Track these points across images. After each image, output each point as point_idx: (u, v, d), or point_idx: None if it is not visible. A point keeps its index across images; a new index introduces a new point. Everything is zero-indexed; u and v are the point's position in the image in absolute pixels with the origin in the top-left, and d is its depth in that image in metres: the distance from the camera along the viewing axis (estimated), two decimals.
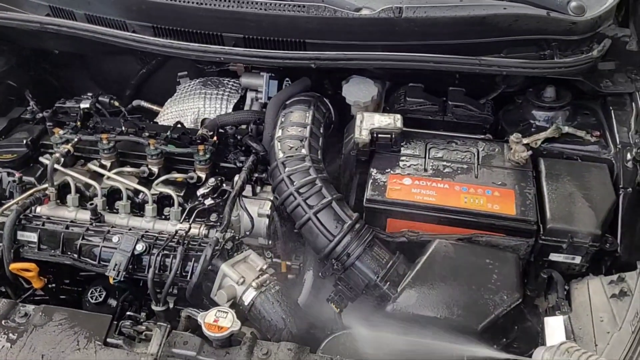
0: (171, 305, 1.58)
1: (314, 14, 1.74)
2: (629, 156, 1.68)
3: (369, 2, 1.84)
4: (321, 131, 1.77)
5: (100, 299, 1.64)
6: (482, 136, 1.83)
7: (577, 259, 1.57)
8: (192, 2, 1.78)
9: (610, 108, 1.83)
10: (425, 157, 1.69)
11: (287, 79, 2.05)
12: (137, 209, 1.72)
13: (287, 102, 1.86)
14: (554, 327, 1.41)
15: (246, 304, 1.46)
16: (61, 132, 1.80)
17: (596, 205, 1.57)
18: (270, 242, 1.72)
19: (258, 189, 1.73)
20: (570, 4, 1.78)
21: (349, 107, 1.96)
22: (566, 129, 1.77)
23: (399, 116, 1.70)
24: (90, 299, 1.65)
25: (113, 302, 1.66)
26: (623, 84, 1.85)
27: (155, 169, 1.78)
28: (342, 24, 1.76)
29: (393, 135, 1.66)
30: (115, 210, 1.71)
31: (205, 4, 1.78)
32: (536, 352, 1.26)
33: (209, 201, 1.66)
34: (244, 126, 1.96)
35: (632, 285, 1.40)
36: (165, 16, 1.84)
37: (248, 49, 1.78)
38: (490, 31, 1.77)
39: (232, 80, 2.14)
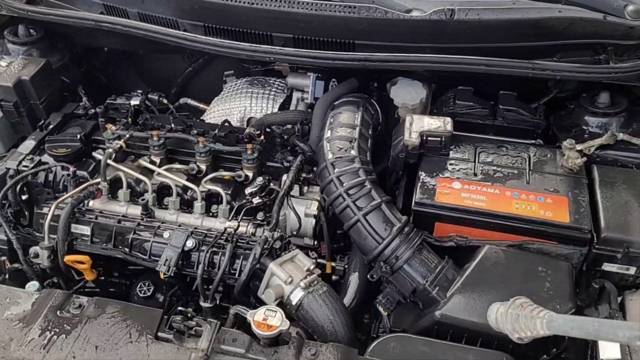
0: (218, 302, 1.60)
1: (365, 15, 1.74)
2: None
3: (419, 4, 1.82)
4: (370, 133, 1.76)
5: (149, 293, 1.67)
6: (533, 141, 1.79)
7: (632, 270, 1.53)
8: (244, 2, 1.80)
9: None
10: (475, 161, 1.67)
11: (333, 79, 2.04)
12: (185, 205, 1.75)
13: (336, 103, 1.86)
14: (609, 352, 1.38)
15: (294, 303, 1.46)
16: (113, 128, 1.84)
17: None
18: (315, 242, 1.73)
19: (305, 189, 1.74)
20: (627, 8, 1.73)
21: (394, 108, 1.95)
22: (621, 136, 1.73)
23: (449, 119, 1.68)
24: (139, 292, 1.68)
25: (160, 297, 1.69)
26: None
27: (203, 167, 1.81)
28: (392, 25, 1.75)
29: (443, 139, 1.65)
30: (164, 206, 1.74)
31: (257, 4, 1.79)
32: (491, 307, 1.28)
33: (256, 200, 1.67)
34: (289, 126, 1.97)
35: None
36: (216, 15, 1.86)
37: (298, 49, 1.79)
38: (544, 34, 1.73)
39: (278, 80, 2.16)
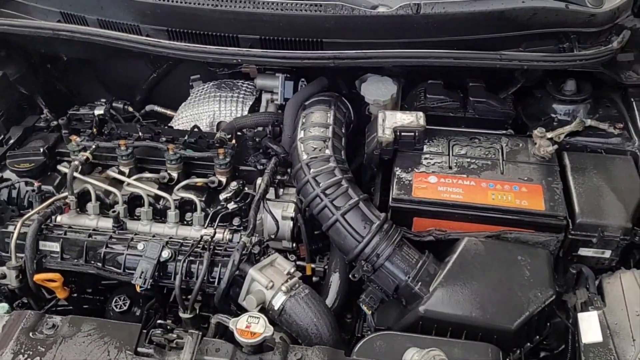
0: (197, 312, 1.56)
1: (332, 13, 1.72)
2: None
3: (384, 0, 1.82)
4: (343, 131, 1.75)
5: (125, 308, 1.62)
6: (504, 131, 1.81)
7: (607, 253, 1.56)
8: (207, 4, 1.76)
9: (632, 99, 1.82)
10: (449, 155, 1.67)
11: (302, 79, 2.02)
12: (158, 215, 1.70)
13: (307, 103, 1.83)
14: (589, 323, 1.40)
15: (276, 308, 1.44)
16: (78, 139, 1.78)
17: (625, 198, 1.56)
18: (294, 244, 1.70)
19: (281, 191, 1.71)
20: None
21: (364, 105, 1.94)
22: (589, 122, 1.76)
23: (421, 114, 1.68)
24: (114, 307, 1.63)
25: (137, 311, 1.64)
26: None
27: (174, 174, 1.76)
28: (359, 22, 1.74)
29: (416, 133, 1.65)
30: (136, 217, 1.69)
31: (221, 6, 1.76)
32: (406, 353, 1.26)
33: (232, 205, 1.64)
34: (260, 128, 1.94)
35: None
36: (180, 19, 1.82)
37: (266, 49, 1.76)
38: (509, 25, 1.75)
39: (247, 82, 2.12)
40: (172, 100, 2.31)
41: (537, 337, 1.48)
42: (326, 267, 1.68)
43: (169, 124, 2.14)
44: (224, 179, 1.74)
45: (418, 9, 1.72)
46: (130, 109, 2.03)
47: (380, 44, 1.78)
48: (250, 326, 1.32)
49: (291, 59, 1.76)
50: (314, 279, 1.70)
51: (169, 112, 2.22)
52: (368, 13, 1.73)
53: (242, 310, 1.50)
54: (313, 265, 1.69)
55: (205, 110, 2.05)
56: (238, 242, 1.51)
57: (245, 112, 2.03)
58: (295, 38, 1.78)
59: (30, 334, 1.34)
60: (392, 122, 1.66)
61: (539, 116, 1.85)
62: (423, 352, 1.23)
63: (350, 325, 1.68)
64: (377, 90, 1.82)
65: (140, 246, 1.53)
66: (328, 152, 1.62)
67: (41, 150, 1.77)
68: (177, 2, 1.79)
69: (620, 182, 1.61)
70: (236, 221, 1.67)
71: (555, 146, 1.65)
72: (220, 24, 1.80)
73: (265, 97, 2.07)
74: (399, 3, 1.75)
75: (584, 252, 1.57)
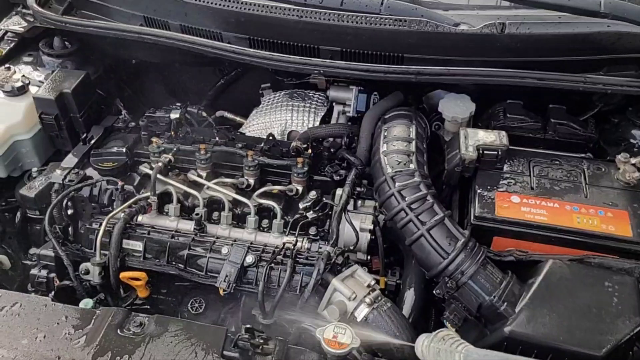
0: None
1: (416, 29, 1.74)
2: None
3: (466, 18, 1.83)
4: (424, 146, 1.75)
5: (200, 310, 1.63)
6: (584, 155, 1.79)
7: None
8: (293, 15, 1.79)
9: None
10: (530, 175, 1.66)
11: (375, 93, 2.04)
12: (235, 220, 1.72)
13: (386, 117, 1.84)
14: None
15: (358, 320, 1.43)
16: (159, 141, 1.81)
17: None
18: (368, 257, 1.70)
19: (359, 202, 1.72)
20: None
21: (430, 121, 1.95)
22: None
23: (504, 133, 1.67)
24: (190, 309, 1.64)
25: (212, 314, 1.65)
26: None
27: (251, 181, 1.78)
28: (442, 39, 1.75)
29: (499, 152, 1.64)
30: (213, 221, 1.71)
31: (306, 17, 1.78)
32: (418, 339, 1.29)
33: (311, 214, 1.65)
34: (331, 139, 1.95)
35: None
36: (263, 28, 1.85)
37: (349, 62, 1.78)
38: (593, 48, 1.75)
39: (318, 92, 2.14)
40: (238, 107, 2.35)
41: None
42: (398, 281, 1.68)
43: (239, 131, 2.16)
44: (300, 188, 1.75)
45: (503, 29, 1.72)
46: (204, 113, 2.06)
47: (460, 62, 1.79)
48: (337, 336, 1.32)
49: (374, 73, 1.77)
50: (385, 293, 1.70)
51: (238, 118, 2.25)
52: (452, 30, 1.74)
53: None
54: (386, 279, 1.69)
55: (277, 118, 2.07)
56: (320, 252, 1.52)
57: (317, 123, 2.04)
58: (376, 52, 1.80)
59: (118, 331, 1.36)
60: (475, 140, 1.66)
61: (618, 141, 1.83)
62: (432, 335, 1.26)
63: None
64: (455, 107, 1.82)
65: (224, 250, 1.54)
66: (412, 166, 1.62)
67: (124, 150, 1.80)
68: (261, 11, 1.82)
69: None
70: (313, 230, 1.67)
71: None
72: (302, 34, 1.82)
73: (337, 108, 2.08)
74: (481, 21, 1.76)
75: None
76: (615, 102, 1.91)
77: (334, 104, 2.09)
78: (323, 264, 1.47)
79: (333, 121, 2.07)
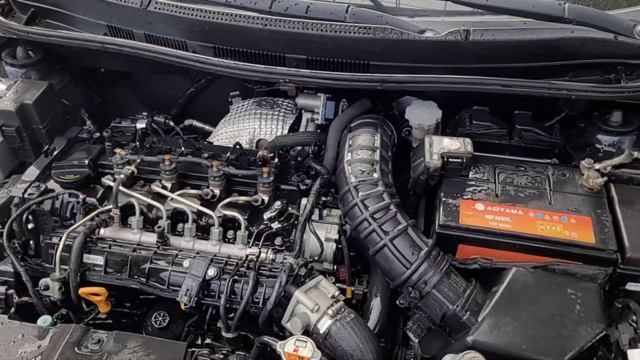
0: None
1: (381, 36, 1.73)
2: None
3: (432, 25, 1.83)
4: (389, 154, 1.74)
5: (164, 324, 1.61)
6: (549, 161, 1.80)
7: None
8: (257, 24, 1.77)
9: None
10: (495, 182, 1.66)
11: (343, 100, 2.03)
12: (200, 231, 1.69)
13: (352, 125, 1.83)
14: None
15: (321, 332, 1.42)
16: (123, 152, 1.79)
17: None
18: (334, 266, 1.69)
19: (324, 212, 1.70)
20: (636, 28, 1.75)
21: (400, 128, 1.95)
22: (636, 154, 1.74)
23: (468, 140, 1.67)
24: (153, 323, 1.61)
25: (176, 328, 1.63)
26: None
27: (217, 191, 1.76)
28: (408, 46, 1.74)
29: (464, 160, 1.64)
30: (177, 233, 1.69)
31: (270, 26, 1.77)
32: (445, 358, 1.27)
33: (276, 225, 1.63)
34: (298, 148, 1.94)
35: None
36: (227, 37, 1.83)
37: (314, 70, 1.77)
38: (557, 54, 1.75)
39: (287, 100, 2.13)
40: (208, 116, 2.33)
41: None
42: (365, 290, 1.67)
43: (208, 140, 2.14)
44: (266, 198, 1.74)
45: (467, 35, 1.72)
46: (172, 123, 2.04)
47: (426, 69, 1.78)
48: (298, 350, 1.31)
49: (339, 81, 1.76)
50: (353, 302, 1.68)
51: (207, 127, 2.23)
52: (417, 37, 1.73)
53: (284, 331, 1.49)
54: (353, 288, 1.67)
55: (246, 127, 2.06)
56: (284, 263, 1.50)
57: (286, 131, 2.03)
58: (342, 60, 1.79)
59: (76, 349, 1.34)
60: (440, 147, 1.65)
61: (583, 146, 1.83)
62: (458, 356, 1.22)
63: (384, 350, 1.65)
64: (422, 114, 1.81)
65: (185, 263, 1.52)
66: (376, 175, 1.61)
67: (86, 162, 1.77)
68: (226, 20, 1.81)
69: None
70: (278, 241, 1.66)
71: (605, 178, 1.63)
72: (267, 42, 1.81)
73: (305, 116, 2.07)
74: (446, 28, 1.76)
75: (632, 286, 1.54)
76: (581, 107, 1.91)
77: (302, 111, 2.08)
78: (285, 276, 1.45)
79: (302, 129, 2.06)
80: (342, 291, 1.65)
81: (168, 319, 1.61)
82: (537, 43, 1.72)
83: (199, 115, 2.38)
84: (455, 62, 1.77)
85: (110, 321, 1.65)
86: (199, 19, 1.83)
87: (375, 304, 1.62)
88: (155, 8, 1.86)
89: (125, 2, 1.89)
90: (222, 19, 1.81)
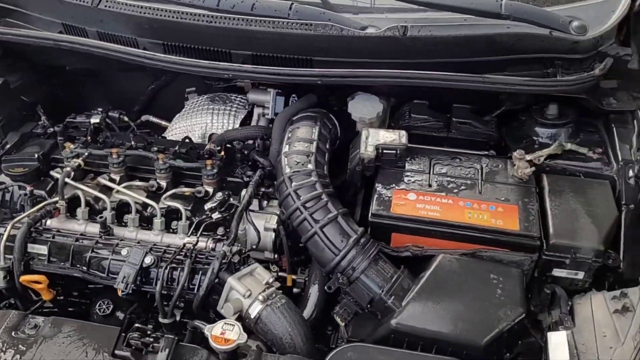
0: (178, 318, 1.60)
1: (321, 32, 1.78)
2: (630, 173, 1.69)
3: (375, 21, 1.88)
4: (327, 147, 1.79)
5: (108, 312, 1.66)
6: (486, 152, 1.85)
7: (580, 275, 1.58)
8: (203, 21, 1.83)
9: (613, 125, 1.85)
10: (429, 173, 1.72)
11: (293, 95, 2.08)
12: (145, 222, 1.75)
13: (294, 118, 1.89)
14: (557, 343, 1.42)
15: (252, 317, 1.47)
16: (72, 146, 1.84)
17: (599, 222, 1.59)
18: (276, 255, 1.74)
19: (265, 203, 1.76)
20: (572, 24, 1.81)
21: (355, 122, 2.00)
22: (569, 146, 1.79)
23: (403, 132, 1.73)
24: (98, 311, 1.67)
25: (120, 315, 1.68)
26: (625, 101, 1.87)
27: (163, 183, 1.81)
28: (348, 42, 1.80)
29: (398, 151, 1.69)
30: (124, 224, 1.74)
31: (216, 22, 1.82)
32: None
33: (216, 215, 1.69)
34: (251, 141, 2.00)
35: (635, 301, 1.41)
36: (175, 34, 1.89)
37: (256, 66, 1.82)
38: (494, 49, 1.80)
39: (240, 96, 2.18)
40: (170, 112, 2.37)
41: (508, 354, 1.50)
42: (307, 278, 1.72)
43: (163, 135, 2.19)
44: (211, 190, 1.79)
45: (405, 31, 1.77)
46: (126, 118, 2.09)
47: (369, 64, 1.84)
48: (225, 333, 1.36)
49: (280, 76, 1.81)
50: (295, 290, 1.74)
51: (163, 122, 2.28)
52: (356, 34, 1.79)
53: (222, 317, 1.54)
54: (294, 277, 1.72)
55: (198, 122, 2.11)
56: (218, 251, 1.55)
57: (237, 125, 2.08)
58: (285, 55, 1.84)
59: (12, 333, 1.38)
60: (375, 139, 1.71)
61: (522, 139, 1.89)
62: None
63: (330, 337, 1.71)
64: (363, 108, 1.87)
65: (124, 252, 1.57)
66: (310, 166, 1.66)
67: (36, 156, 1.83)
68: (173, 17, 1.86)
69: (596, 205, 1.64)
70: (220, 231, 1.71)
71: (533, 168, 1.68)
72: (214, 39, 1.86)
73: (257, 111, 2.12)
74: (389, 24, 1.81)
75: (557, 272, 1.59)
76: (522, 101, 1.96)
77: (254, 106, 2.13)
78: (218, 263, 1.50)
79: (253, 123, 2.11)
80: (285, 280, 1.71)
81: (112, 306, 1.66)
82: (473, 38, 1.78)
83: (161, 111, 2.43)
84: (395, 57, 1.82)
85: (56, 309, 1.69)
86: (148, 17, 1.88)
87: (313, 291, 1.67)
88: (105, 6, 1.92)
89: (77, 0, 1.94)
90: (170, 16, 1.87)
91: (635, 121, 1.83)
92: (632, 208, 1.65)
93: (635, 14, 1.94)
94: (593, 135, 1.88)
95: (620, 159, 1.75)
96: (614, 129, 1.84)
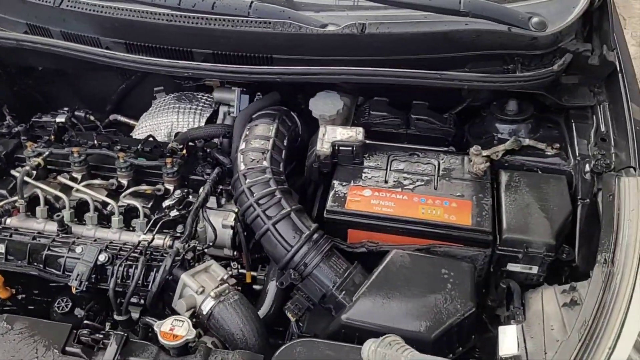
0: (136, 316, 1.61)
1: (280, 30, 1.79)
2: (587, 168, 1.70)
3: (336, 19, 1.89)
4: (285, 144, 1.80)
5: (67, 309, 1.66)
6: (445, 148, 1.86)
7: (534, 269, 1.59)
8: (163, 20, 1.84)
9: (572, 121, 1.86)
10: (386, 169, 1.73)
11: (258, 93, 2.09)
12: (105, 220, 1.76)
13: (254, 116, 1.90)
14: (507, 336, 1.44)
15: (205, 313, 1.48)
16: (34, 145, 1.85)
17: (552, 216, 1.60)
18: (235, 253, 1.75)
19: (223, 200, 1.77)
20: (531, 20, 1.81)
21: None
22: (527, 142, 1.81)
23: (360, 129, 1.74)
24: (57, 309, 1.67)
25: (80, 313, 1.69)
26: (585, 97, 1.88)
27: (124, 182, 1.83)
28: (307, 40, 1.80)
29: (354, 148, 1.70)
30: (83, 222, 1.75)
31: (175, 21, 1.83)
32: (365, 344, 1.29)
33: (174, 212, 1.70)
34: (216, 140, 2.01)
35: (583, 295, 1.42)
36: (136, 33, 1.89)
37: (215, 64, 1.83)
38: (453, 46, 1.81)
39: (206, 95, 2.19)
40: (141, 111, 2.39)
41: (460, 348, 1.51)
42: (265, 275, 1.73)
43: (131, 134, 2.21)
44: (171, 188, 1.80)
45: (363, 29, 1.78)
46: (92, 117, 2.10)
47: (329, 61, 1.84)
48: (174, 329, 1.37)
49: (239, 74, 1.82)
50: (256, 287, 1.75)
51: (131, 122, 2.29)
52: (314, 31, 1.79)
53: (177, 314, 1.55)
54: (254, 274, 1.74)
55: (164, 120, 2.12)
56: (172, 248, 1.56)
57: (202, 124, 2.09)
58: (246, 53, 1.85)
59: None
60: (332, 136, 1.72)
61: (482, 135, 1.90)
62: (379, 340, 1.26)
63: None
64: (324, 105, 1.88)
65: (78, 249, 1.58)
66: (265, 163, 1.67)
67: None
68: (134, 16, 1.87)
69: (551, 200, 1.65)
70: (180, 228, 1.72)
71: (488, 164, 1.69)
72: (175, 38, 1.87)
73: (222, 109, 2.13)
74: (349, 22, 1.82)
75: (512, 267, 1.61)
76: (482, 97, 1.98)
77: (220, 105, 2.14)
78: (171, 260, 1.51)
79: (219, 122, 2.12)
80: (245, 276, 1.72)
81: (70, 304, 1.67)
82: (431, 35, 1.78)
83: (132, 110, 2.45)
84: (354, 54, 1.83)
85: (14, 307, 1.70)
86: (110, 16, 1.89)
87: (271, 287, 1.68)
88: (67, 6, 1.92)
89: (39, 0, 1.95)
90: (131, 15, 1.87)
91: (594, 116, 1.85)
92: (587, 203, 1.67)
93: (596, 10, 1.95)
94: (553, 130, 1.89)
95: (577, 154, 1.77)
96: (573, 124, 1.85)
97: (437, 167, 1.73)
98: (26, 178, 1.74)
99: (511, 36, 1.79)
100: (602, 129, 1.77)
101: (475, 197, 1.64)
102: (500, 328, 1.46)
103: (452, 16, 1.80)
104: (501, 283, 1.62)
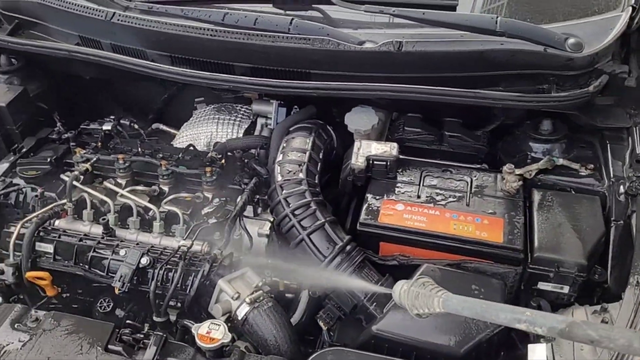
0: (173, 318, 1.68)
1: (319, 47, 1.85)
2: (621, 189, 1.71)
3: (374, 36, 1.94)
4: (320, 157, 1.85)
5: (108, 309, 1.75)
6: (478, 166, 1.88)
7: (565, 289, 1.60)
8: (206, 35, 1.92)
9: (607, 142, 1.87)
10: (419, 185, 1.76)
11: (295, 106, 2.15)
12: (146, 225, 1.84)
13: (291, 129, 1.96)
14: (536, 354, 1.45)
15: (240, 318, 1.54)
16: (82, 151, 1.95)
17: (584, 236, 1.61)
18: (270, 261, 1.80)
19: (259, 209, 1.83)
20: (568, 41, 1.83)
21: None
22: (560, 161, 1.82)
23: (395, 144, 1.78)
24: (99, 308, 1.76)
25: (121, 313, 1.77)
26: (620, 118, 1.88)
27: (166, 188, 1.90)
28: (344, 57, 1.86)
29: (388, 163, 1.74)
30: (126, 226, 1.83)
31: (217, 36, 1.91)
32: (397, 284, 1.31)
33: (212, 220, 1.76)
34: (253, 150, 2.07)
35: (615, 316, 1.42)
36: (180, 46, 1.98)
37: (254, 77, 1.90)
38: (488, 65, 1.84)
39: (245, 107, 2.26)
40: (181, 121, 2.48)
41: None
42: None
43: (172, 142, 2.29)
44: (210, 196, 1.87)
45: (400, 47, 1.82)
46: (136, 126, 2.20)
47: (365, 77, 1.90)
48: (211, 332, 1.43)
49: (278, 87, 1.89)
50: (288, 295, 1.79)
51: (172, 130, 2.38)
52: (352, 48, 1.85)
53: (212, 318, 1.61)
54: (287, 282, 1.78)
55: (204, 130, 2.20)
56: (210, 254, 1.63)
57: (241, 135, 2.16)
58: (284, 68, 1.92)
59: (15, 325, 1.48)
60: (367, 150, 1.76)
61: (515, 153, 1.92)
62: (412, 280, 1.29)
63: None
64: (359, 120, 1.93)
65: (122, 252, 1.66)
66: (301, 175, 1.73)
67: (48, 159, 1.94)
68: (179, 31, 1.96)
69: (583, 221, 1.65)
70: (217, 235, 1.78)
71: (521, 182, 1.71)
72: (217, 52, 1.95)
73: (260, 121, 2.20)
74: (386, 39, 1.87)
75: (543, 286, 1.62)
76: (516, 116, 1.99)
77: (257, 117, 2.21)
78: (208, 266, 1.58)
79: (257, 133, 2.19)
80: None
81: (112, 304, 1.75)
82: (466, 54, 1.82)
83: (173, 120, 2.54)
84: (390, 71, 1.87)
85: (60, 306, 1.79)
86: (156, 30, 1.98)
87: (304, 296, 1.73)
88: (118, 20, 2.02)
89: (92, 14, 2.06)
90: (176, 30, 1.96)
91: (629, 138, 1.85)
92: (621, 224, 1.67)
93: (634, 32, 1.96)
94: (586, 151, 1.89)
95: (612, 175, 1.77)
96: (608, 145, 1.86)
97: (469, 183, 1.75)
98: (74, 182, 1.83)
99: (547, 56, 1.81)
100: (638, 150, 1.77)
101: (508, 214, 1.66)
102: (530, 346, 1.47)
103: (488, 36, 1.84)
104: (532, 301, 1.63)
